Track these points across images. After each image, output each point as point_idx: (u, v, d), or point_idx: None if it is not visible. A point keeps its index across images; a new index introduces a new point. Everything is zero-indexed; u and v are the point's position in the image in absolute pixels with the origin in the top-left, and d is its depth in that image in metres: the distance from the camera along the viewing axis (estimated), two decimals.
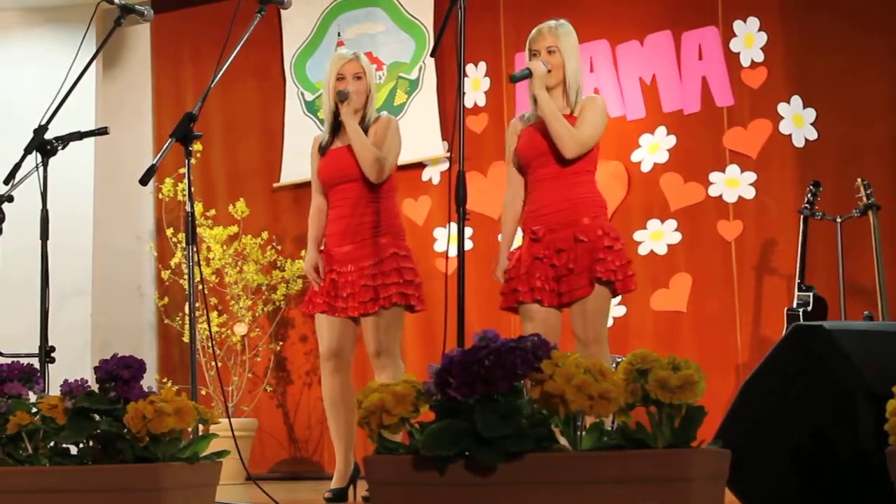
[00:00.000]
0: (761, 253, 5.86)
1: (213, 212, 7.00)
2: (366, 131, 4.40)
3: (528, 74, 4.11)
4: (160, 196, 7.05)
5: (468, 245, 6.06)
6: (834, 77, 5.79)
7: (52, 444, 2.66)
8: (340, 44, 7.03)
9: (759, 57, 5.98)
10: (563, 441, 2.11)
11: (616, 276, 4.00)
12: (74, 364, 5.90)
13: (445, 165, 6.68)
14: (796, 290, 5.26)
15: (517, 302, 4.11)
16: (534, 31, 4.19)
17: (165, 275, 7.04)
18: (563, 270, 4.02)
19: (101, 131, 4.30)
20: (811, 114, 5.82)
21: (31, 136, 3.93)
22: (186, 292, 4.02)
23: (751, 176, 5.92)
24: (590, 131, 4.07)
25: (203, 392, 6.70)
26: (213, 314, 6.78)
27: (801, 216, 5.31)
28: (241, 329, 6.76)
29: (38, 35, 7.28)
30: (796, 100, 5.85)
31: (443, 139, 6.72)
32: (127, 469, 2.48)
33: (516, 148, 4.25)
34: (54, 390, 2.76)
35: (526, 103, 4.31)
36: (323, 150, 4.53)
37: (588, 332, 4.01)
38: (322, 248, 4.49)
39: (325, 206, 4.52)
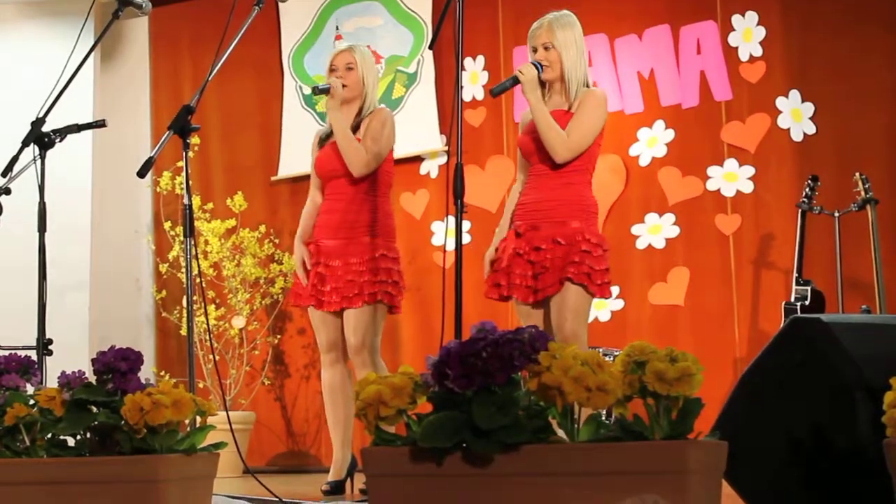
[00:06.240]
0: (759, 247, 5.86)
1: (210, 205, 7.00)
2: (362, 123, 4.42)
3: (510, 85, 4.09)
4: (158, 189, 7.04)
5: (466, 238, 6.06)
6: (833, 72, 5.78)
7: (49, 435, 2.65)
8: (339, 38, 7.02)
9: (758, 51, 5.97)
10: (560, 433, 2.11)
11: (590, 279, 3.94)
12: (72, 356, 5.85)
13: (443, 159, 6.68)
14: (794, 284, 5.27)
15: (499, 296, 4.12)
16: (534, 24, 4.18)
17: (163, 268, 7.03)
18: (539, 268, 4.01)
19: (99, 124, 4.30)
20: (809, 108, 5.81)
21: (28, 128, 3.92)
22: (184, 285, 4.02)
23: (749, 170, 5.92)
24: (580, 134, 4.02)
25: (201, 385, 6.70)
26: (211, 307, 6.77)
27: (800, 210, 5.31)
28: (238, 322, 6.76)
29: (36, 28, 7.27)
30: (794, 94, 5.85)
31: (441, 133, 6.72)
32: (124, 461, 2.48)
33: (518, 140, 4.24)
34: (52, 383, 2.75)
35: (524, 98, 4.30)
36: (322, 143, 4.55)
37: (564, 328, 3.94)
38: (310, 239, 4.49)
39: (320, 202, 4.53)
